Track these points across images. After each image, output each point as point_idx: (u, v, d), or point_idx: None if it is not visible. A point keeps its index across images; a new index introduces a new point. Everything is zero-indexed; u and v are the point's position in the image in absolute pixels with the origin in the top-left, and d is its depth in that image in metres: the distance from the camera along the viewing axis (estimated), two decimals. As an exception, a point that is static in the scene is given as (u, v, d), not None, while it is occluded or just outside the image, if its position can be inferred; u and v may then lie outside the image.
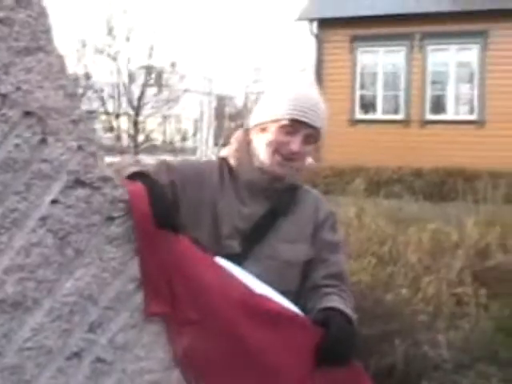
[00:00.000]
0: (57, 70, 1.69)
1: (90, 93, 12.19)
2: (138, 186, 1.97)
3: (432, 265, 5.97)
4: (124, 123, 11.65)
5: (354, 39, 19.77)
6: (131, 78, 13.55)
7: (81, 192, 1.73)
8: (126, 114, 11.16)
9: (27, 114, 1.65)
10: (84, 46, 13.57)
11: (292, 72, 3.33)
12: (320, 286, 2.52)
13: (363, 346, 5.37)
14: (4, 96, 1.62)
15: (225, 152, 2.69)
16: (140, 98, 11.24)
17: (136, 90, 11.57)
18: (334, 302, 2.42)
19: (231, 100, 71.08)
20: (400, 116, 19.57)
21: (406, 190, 9.46)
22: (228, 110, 67.98)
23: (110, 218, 1.79)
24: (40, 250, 1.64)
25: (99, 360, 1.70)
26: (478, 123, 18.55)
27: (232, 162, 2.61)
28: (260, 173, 2.56)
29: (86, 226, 1.74)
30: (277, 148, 2.53)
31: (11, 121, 1.63)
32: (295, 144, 2.52)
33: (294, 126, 2.52)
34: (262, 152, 2.57)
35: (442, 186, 14.68)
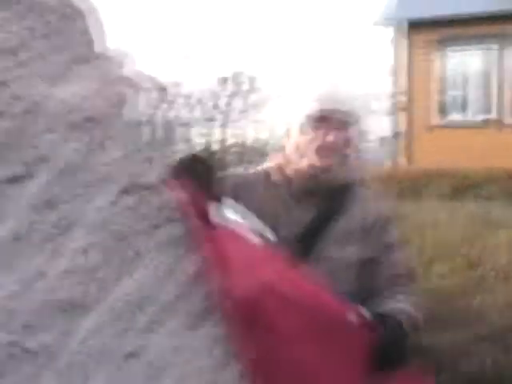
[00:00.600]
0: (113, 76, 1.73)
1: (180, 100, 12.31)
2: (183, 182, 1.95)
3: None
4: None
5: (443, 40, 19.44)
6: (223, 83, 13.65)
7: (138, 195, 1.76)
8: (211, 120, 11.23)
9: (86, 119, 1.69)
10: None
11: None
12: (376, 291, 2.53)
13: (452, 349, 5.33)
14: (63, 101, 1.66)
15: (268, 159, 2.75)
16: (228, 105, 11.30)
17: (224, 98, 11.63)
18: (386, 307, 2.44)
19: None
20: (492, 116, 19.15)
21: (498, 192, 9.24)
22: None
23: (170, 220, 1.82)
24: (99, 251, 1.67)
25: (157, 359, 1.72)
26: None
27: (275, 168, 2.66)
28: (304, 176, 2.57)
29: (144, 229, 1.76)
30: (317, 146, 2.54)
31: (71, 125, 1.68)
32: (329, 135, 2.52)
33: (324, 118, 2.53)
34: (304, 152, 2.58)
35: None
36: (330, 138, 2.51)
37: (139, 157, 1.77)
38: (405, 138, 19.99)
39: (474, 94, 19.61)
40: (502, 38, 18.72)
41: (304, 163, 2.56)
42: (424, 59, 19.49)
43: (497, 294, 5.41)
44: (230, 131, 10.99)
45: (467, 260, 6.06)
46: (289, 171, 2.59)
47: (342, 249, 2.53)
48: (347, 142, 2.57)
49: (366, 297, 2.51)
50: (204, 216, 1.93)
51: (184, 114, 13.04)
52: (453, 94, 19.88)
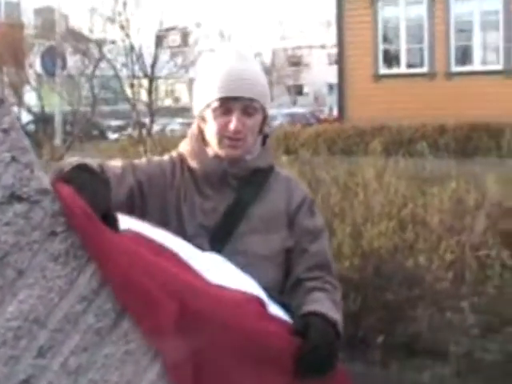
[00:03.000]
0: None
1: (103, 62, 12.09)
2: (65, 187, 1.76)
3: (453, 227, 5.78)
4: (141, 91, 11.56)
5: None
6: (158, 40, 13.43)
7: (18, 207, 1.58)
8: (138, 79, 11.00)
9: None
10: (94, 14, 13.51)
11: (220, 47, 3.10)
12: (302, 280, 2.38)
13: (387, 312, 5.30)
14: None
15: (182, 146, 2.54)
16: (153, 65, 11.06)
17: (148, 58, 11.39)
18: (316, 304, 2.26)
19: (258, 57, 71.10)
20: (425, 69, 19.22)
21: (429, 147, 9.23)
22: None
23: (53, 234, 1.63)
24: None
25: (54, 384, 1.57)
26: (506, 73, 18.17)
27: (188, 155, 2.46)
28: (215, 161, 2.41)
29: (27, 244, 1.58)
30: (221, 133, 2.38)
31: None
32: (233, 122, 2.36)
33: (226, 104, 2.37)
34: (211, 141, 2.42)
35: (467, 142, 14.37)
36: (233, 125, 2.35)
37: (18, 164, 1.58)
38: (338, 92, 20.00)
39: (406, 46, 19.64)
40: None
41: (214, 152, 2.42)
42: (356, 14, 19.41)
43: (431, 255, 5.35)
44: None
45: (399, 221, 5.98)
46: (202, 157, 2.43)
47: (265, 239, 2.38)
48: (255, 128, 2.43)
49: (289, 287, 2.39)
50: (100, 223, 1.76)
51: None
52: (386, 47, 19.90)
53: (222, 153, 2.40)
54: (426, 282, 5.23)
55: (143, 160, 2.50)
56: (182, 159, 2.47)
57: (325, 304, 2.27)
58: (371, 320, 5.29)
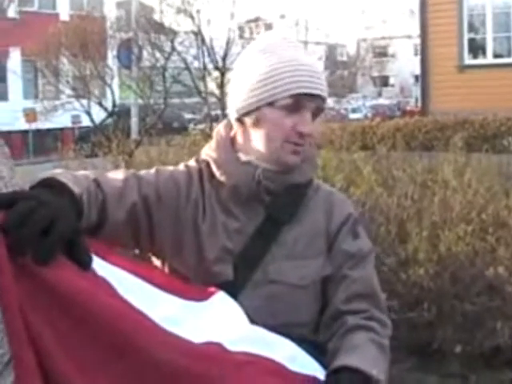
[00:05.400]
0: None
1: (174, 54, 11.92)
2: None
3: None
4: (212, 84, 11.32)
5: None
6: (240, 32, 13.24)
7: None
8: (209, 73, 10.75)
9: None
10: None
11: (264, 37, 2.52)
12: (342, 314, 1.97)
13: (465, 322, 4.99)
14: None
15: (204, 152, 2.11)
16: (224, 57, 10.78)
17: (220, 50, 11.12)
18: (355, 353, 1.85)
19: (342, 48, 70.82)
20: (512, 59, 18.57)
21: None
22: (340, 58, 67.82)
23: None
24: None
25: None
26: None
27: (213, 162, 2.05)
28: (249, 171, 2.00)
29: None
30: (285, 137, 1.97)
31: None
32: (305, 124, 1.97)
33: (299, 102, 1.96)
34: (263, 148, 2.00)
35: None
36: (307, 127, 1.97)
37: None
38: (421, 83, 19.52)
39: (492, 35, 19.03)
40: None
41: (245, 157, 2.03)
42: (440, 1, 18.85)
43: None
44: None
45: (480, 223, 5.61)
46: (232, 165, 2.03)
47: (301, 266, 2.00)
48: (316, 134, 2.08)
49: (325, 321, 2.01)
50: None
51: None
52: (471, 36, 19.32)
53: (281, 161, 2.00)
54: (506, 293, 4.86)
55: (151, 171, 2.07)
56: (201, 168, 2.08)
57: (366, 354, 1.88)
58: (448, 329, 5.00)
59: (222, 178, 2.02)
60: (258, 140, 2.02)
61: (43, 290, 1.54)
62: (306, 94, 1.97)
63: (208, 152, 2.10)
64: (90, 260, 1.64)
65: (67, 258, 1.59)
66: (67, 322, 1.55)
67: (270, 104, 1.98)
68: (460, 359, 4.94)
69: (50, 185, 1.71)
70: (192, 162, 2.13)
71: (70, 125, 29.30)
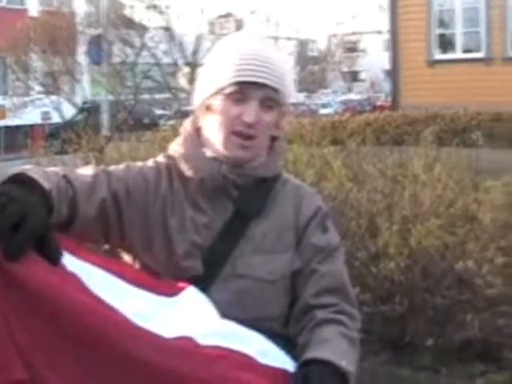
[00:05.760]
0: None
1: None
2: None
3: (506, 226, 5.41)
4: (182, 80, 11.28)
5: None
6: (211, 27, 13.20)
7: None
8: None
9: None
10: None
11: (234, 34, 2.54)
12: (312, 308, 1.96)
13: (436, 315, 5.02)
14: None
15: (172, 147, 2.11)
16: (195, 52, 10.72)
17: (190, 46, 11.06)
18: (324, 346, 1.85)
19: (313, 43, 70.88)
20: (481, 54, 18.71)
21: (484, 137, 8.82)
22: (310, 53, 67.90)
23: None
24: None
25: None
26: None
27: (180, 158, 2.05)
28: (214, 165, 2.00)
29: None
30: (230, 127, 1.97)
31: None
32: (249, 113, 1.95)
33: (244, 91, 1.96)
34: (214, 138, 2.01)
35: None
36: (250, 117, 1.96)
37: None
38: (391, 78, 19.60)
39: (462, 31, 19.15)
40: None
41: (215, 151, 2.03)
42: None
43: (481, 258, 5.02)
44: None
45: (449, 218, 5.65)
46: (198, 160, 2.04)
47: (270, 260, 2.00)
48: (271, 126, 2.04)
49: (295, 315, 2.02)
50: None
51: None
52: (441, 31, 19.44)
53: (226, 153, 2.00)
54: (476, 286, 4.90)
55: (121, 166, 2.07)
56: (170, 164, 2.08)
57: (336, 346, 1.87)
58: (419, 322, 5.03)
59: (189, 173, 2.03)
60: (210, 131, 2.04)
61: (14, 285, 1.53)
62: (251, 83, 1.97)
63: (175, 148, 2.10)
64: (60, 256, 1.64)
65: (37, 253, 1.59)
66: (38, 317, 1.55)
67: (220, 92, 1.99)
68: (431, 352, 4.97)
69: (20, 180, 1.70)
70: (161, 158, 2.13)
71: (40, 121, 29.09)
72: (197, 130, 2.10)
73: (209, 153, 2.04)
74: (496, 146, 10.29)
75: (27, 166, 1.84)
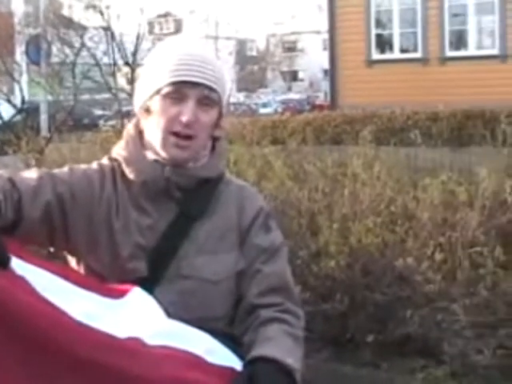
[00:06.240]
0: None
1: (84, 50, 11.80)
2: None
3: (445, 223, 5.51)
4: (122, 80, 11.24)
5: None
6: (150, 27, 13.13)
7: None
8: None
9: None
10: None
11: (173, 37, 2.57)
12: (256, 307, 1.99)
13: (376, 311, 5.09)
14: None
15: (115, 151, 2.12)
16: (135, 53, 10.69)
17: (130, 46, 11.02)
18: (269, 344, 1.87)
19: (252, 43, 70.94)
20: (418, 54, 18.96)
21: (422, 136, 8.97)
22: (249, 53, 67.92)
23: None
24: None
25: None
26: (501, 57, 17.89)
27: (122, 161, 2.06)
28: (156, 167, 2.01)
29: None
30: (168, 127, 1.98)
31: None
32: (186, 112, 1.97)
33: (180, 90, 1.98)
34: (154, 139, 2.03)
35: (461, 130, 14.03)
36: (186, 116, 1.97)
37: None
38: (330, 78, 19.75)
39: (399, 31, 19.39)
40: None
41: (155, 153, 2.05)
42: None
43: (420, 255, 5.10)
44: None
45: (389, 215, 5.73)
46: (140, 163, 2.05)
47: (214, 261, 2.02)
48: (209, 125, 2.06)
49: (240, 315, 2.04)
50: None
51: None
52: (379, 31, 19.64)
53: (164, 154, 2.02)
54: (415, 282, 4.98)
55: (65, 169, 2.07)
56: (114, 167, 2.09)
57: (281, 344, 1.90)
58: (360, 319, 5.10)
59: (132, 176, 2.04)
60: (151, 133, 2.06)
61: None
62: (187, 82, 1.99)
63: (118, 151, 2.11)
64: (9, 259, 1.64)
65: None
66: None
67: (158, 93, 2.01)
68: (372, 348, 5.02)
69: None
70: (105, 161, 2.14)
71: (-24, 122, 28.57)
72: (139, 133, 2.11)
73: (151, 155, 2.05)
74: (433, 145, 10.44)
75: None
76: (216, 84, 2.03)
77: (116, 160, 2.10)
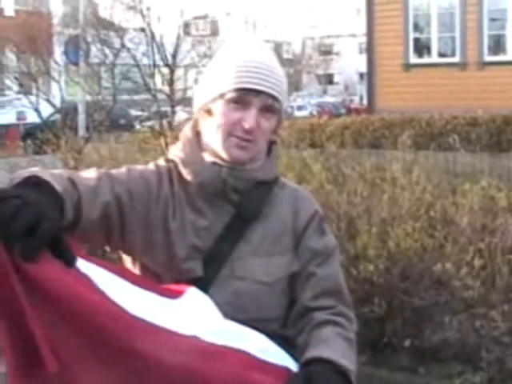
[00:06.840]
0: None
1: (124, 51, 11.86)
2: None
3: (483, 229, 5.48)
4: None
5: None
6: (186, 28, 13.16)
7: None
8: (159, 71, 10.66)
9: None
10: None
11: (239, 39, 2.56)
12: (310, 310, 2.01)
13: (414, 316, 5.08)
14: None
15: (172, 152, 2.15)
16: (174, 54, 10.74)
17: (170, 47, 11.06)
18: (325, 346, 1.89)
19: (288, 46, 70.93)
20: (456, 58, 18.85)
21: (461, 141, 8.91)
22: (285, 56, 67.94)
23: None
24: None
25: None
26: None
27: (180, 162, 2.08)
28: (214, 169, 2.03)
29: None
30: (230, 130, 2.01)
31: None
32: (248, 119, 1.99)
33: (244, 97, 2.00)
34: (213, 141, 2.05)
35: (500, 135, 13.91)
36: (249, 123, 1.99)
37: None
38: (367, 82, 19.69)
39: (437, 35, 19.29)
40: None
41: (213, 153, 2.06)
42: (386, 1, 19.04)
43: (459, 261, 5.09)
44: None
45: (428, 220, 5.71)
46: (198, 164, 2.07)
47: (268, 263, 2.04)
48: (269, 132, 2.08)
49: (294, 317, 2.05)
50: None
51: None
52: (417, 35, 19.56)
53: (225, 154, 2.03)
54: (454, 288, 4.97)
55: (123, 170, 2.09)
56: (171, 168, 2.11)
57: (335, 346, 1.92)
58: (397, 324, 5.09)
59: (189, 177, 2.06)
60: (210, 134, 2.07)
61: (32, 285, 1.57)
62: (251, 90, 2.01)
63: (175, 152, 2.13)
64: (75, 258, 1.68)
65: (51, 255, 1.63)
66: (54, 314, 1.59)
67: (222, 97, 2.02)
68: (409, 353, 5.02)
69: (33, 183, 1.72)
70: (162, 162, 2.16)
71: (14, 121, 28.88)
72: (196, 135, 2.13)
73: (208, 157, 2.07)
74: (472, 150, 10.39)
75: (34, 169, 1.86)
76: (279, 93, 2.05)
77: (173, 161, 2.12)
